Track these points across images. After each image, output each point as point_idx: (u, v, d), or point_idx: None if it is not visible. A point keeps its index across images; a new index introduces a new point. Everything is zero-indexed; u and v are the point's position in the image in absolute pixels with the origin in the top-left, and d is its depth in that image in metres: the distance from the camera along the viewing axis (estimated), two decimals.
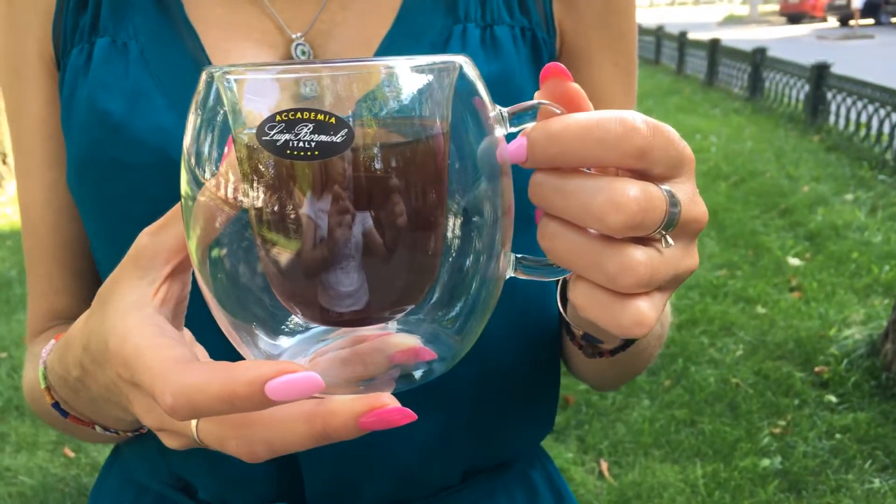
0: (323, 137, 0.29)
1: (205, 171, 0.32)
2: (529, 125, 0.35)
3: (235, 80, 0.30)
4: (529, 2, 0.58)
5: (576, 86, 0.35)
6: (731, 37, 15.61)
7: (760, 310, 3.54)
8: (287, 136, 0.29)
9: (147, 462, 0.62)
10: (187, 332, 0.42)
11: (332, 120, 0.29)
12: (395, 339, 0.37)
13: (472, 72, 0.34)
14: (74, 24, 0.56)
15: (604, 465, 2.53)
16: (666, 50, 12.88)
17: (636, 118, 0.34)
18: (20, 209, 0.64)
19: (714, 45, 10.07)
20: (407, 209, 0.32)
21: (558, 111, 0.35)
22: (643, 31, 14.36)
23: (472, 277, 0.37)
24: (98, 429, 0.53)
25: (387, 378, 0.35)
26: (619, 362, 0.57)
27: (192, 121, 0.32)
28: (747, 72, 8.78)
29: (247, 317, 0.35)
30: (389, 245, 0.32)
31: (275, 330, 0.36)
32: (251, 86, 0.30)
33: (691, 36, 11.84)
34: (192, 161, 0.32)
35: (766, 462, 2.48)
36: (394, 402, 0.34)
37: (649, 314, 0.35)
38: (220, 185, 0.32)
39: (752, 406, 2.79)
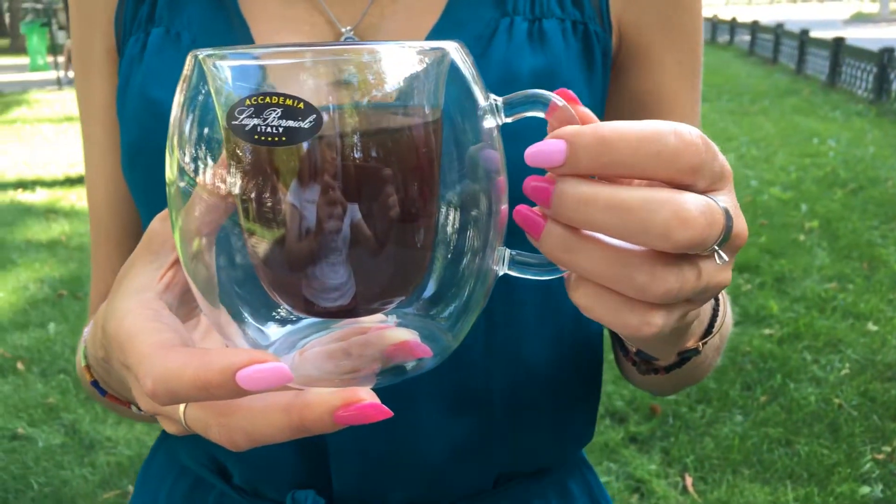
0: (290, 122, 0.28)
1: (185, 156, 0.32)
2: (528, 114, 0.33)
3: (219, 64, 0.30)
4: None
5: (586, 110, 0.34)
6: (858, 35, 14.73)
7: (872, 327, 3.32)
8: (255, 121, 0.28)
9: (189, 444, 0.64)
10: (204, 320, 0.42)
11: (301, 105, 0.28)
12: (392, 333, 0.36)
13: (462, 59, 0.32)
14: (134, 14, 0.58)
15: (688, 480, 2.43)
16: (785, 49, 12.31)
17: (692, 132, 0.32)
18: (87, 193, 0.67)
19: (838, 43, 9.53)
20: (390, 199, 0.31)
21: (560, 103, 0.33)
22: (761, 28, 13.78)
23: (461, 272, 0.35)
24: (133, 408, 0.54)
25: (367, 373, 0.34)
26: (675, 376, 0.54)
27: (177, 105, 0.32)
28: (873, 73, 8.26)
29: (233, 305, 0.35)
30: (372, 236, 0.31)
31: (265, 319, 0.36)
32: (233, 70, 0.30)
33: (814, 34, 11.25)
34: (175, 146, 0.32)
35: (865, 489, 2.32)
36: (371, 398, 0.33)
37: (659, 315, 0.33)
38: (200, 170, 0.31)
39: (854, 429, 2.61)
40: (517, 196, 0.34)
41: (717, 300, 0.51)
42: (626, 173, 0.31)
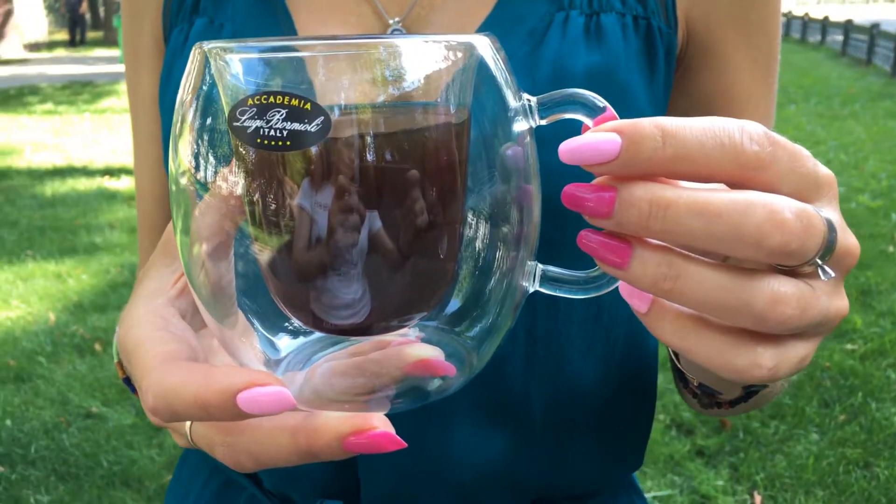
0: (296, 126, 0.25)
1: (187, 154, 0.30)
2: (566, 116, 0.30)
3: (224, 58, 0.28)
4: None
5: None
6: None
7: None
8: (258, 123, 0.26)
9: None
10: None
11: (308, 106, 0.25)
12: (413, 349, 0.33)
13: (493, 54, 0.29)
14: (180, 4, 0.58)
15: (757, 499, 2.33)
16: (880, 50, 11.70)
17: (755, 125, 0.28)
18: (135, 183, 0.68)
19: None
20: (409, 206, 0.28)
21: (601, 105, 0.30)
22: (855, 28, 13.15)
23: (487, 287, 0.32)
24: None
25: (382, 395, 0.32)
26: (738, 409, 0.49)
27: (180, 101, 0.30)
28: None
29: (242, 316, 0.33)
30: (388, 246, 0.28)
31: (277, 331, 0.34)
32: (239, 64, 0.28)
33: None
34: (178, 143, 0.30)
35: None
36: (384, 425, 0.30)
37: (764, 352, 0.29)
38: (202, 170, 0.29)
39: None
40: (553, 207, 0.31)
41: None
42: (689, 170, 0.27)
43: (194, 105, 0.29)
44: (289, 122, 0.25)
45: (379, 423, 0.30)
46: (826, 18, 16.54)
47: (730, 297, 0.27)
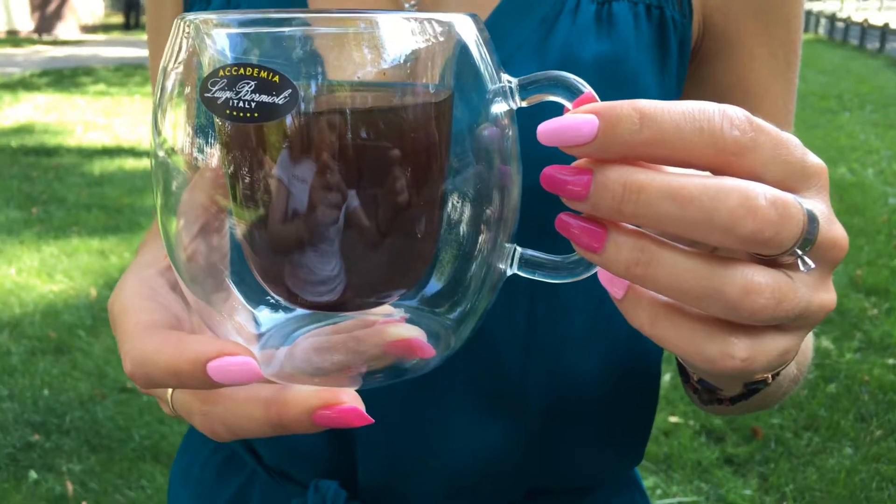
0: (264, 98, 0.25)
1: (164, 124, 0.30)
2: (546, 99, 0.29)
3: (202, 29, 0.28)
4: None
5: None
6: None
7: None
8: (228, 94, 0.26)
9: None
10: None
11: (276, 78, 0.25)
12: (395, 328, 0.33)
13: (475, 34, 0.29)
14: None
15: None
16: None
17: (736, 109, 0.27)
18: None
19: None
20: (382, 183, 0.28)
21: (584, 89, 0.29)
22: None
23: (463, 269, 0.32)
24: None
25: (355, 372, 0.32)
26: (740, 407, 0.48)
27: (161, 71, 0.30)
28: None
29: (223, 289, 0.33)
30: (362, 223, 0.28)
31: (258, 305, 0.34)
32: (216, 36, 0.28)
33: None
34: (158, 113, 0.30)
35: None
36: (353, 400, 0.30)
37: (737, 343, 0.28)
38: (178, 142, 0.29)
39: None
40: (531, 189, 0.30)
41: None
42: (666, 154, 0.27)
43: (173, 77, 0.29)
44: (257, 94, 0.25)
45: (348, 398, 0.30)
46: (886, 25, 16.04)
47: (702, 285, 0.27)
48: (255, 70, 0.25)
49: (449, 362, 0.51)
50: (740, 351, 0.28)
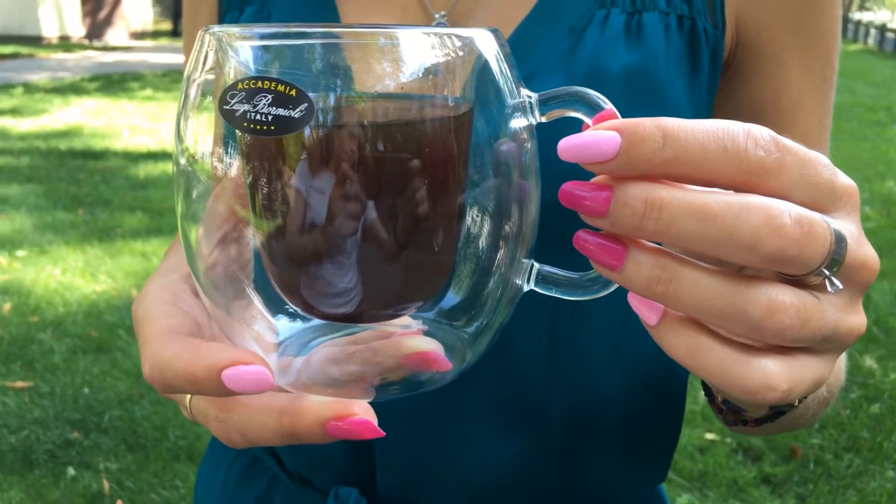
0: (280, 111, 0.26)
1: (187, 134, 0.30)
2: (566, 115, 0.29)
3: (227, 42, 0.28)
4: None
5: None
6: None
7: None
8: (245, 107, 0.26)
9: None
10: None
11: (293, 92, 0.25)
12: (412, 341, 0.33)
13: (495, 49, 0.29)
14: None
15: None
16: None
17: (761, 129, 0.27)
18: None
19: None
20: (402, 198, 0.28)
21: (605, 105, 0.29)
22: None
23: (480, 283, 0.32)
24: None
25: (369, 384, 0.32)
26: (766, 429, 0.47)
27: (184, 79, 0.30)
28: None
29: (237, 297, 0.33)
30: (380, 236, 0.28)
31: (277, 315, 0.34)
32: (238, 48, 0.28)
33: None
34: (180, 124, 0.30)
35: None
36: (364, 413, 0.30)
37: (779, 374, 0.28)
38: (199, 151, 0.30)
39: None
40: (552, 203, 0.30)
41: None
42: (689, 173, 0.26)
43: (195, 88, 0.29)
44: (274, 108, 0.26)
45: (359, 410, 0.30)
46: None
47: (725, 303, 0.26)
48: (273, 83, 0.26)
49: (470, 375, 0.51)
50: (782, 382, 0.28)
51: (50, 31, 17.74)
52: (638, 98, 0.48)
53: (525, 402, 0.53)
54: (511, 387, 0.52)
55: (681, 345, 0.28)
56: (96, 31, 18.91)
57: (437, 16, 0.53)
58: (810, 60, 0.52)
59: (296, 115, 0.26)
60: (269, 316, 0.34)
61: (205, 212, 0.31)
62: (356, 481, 0.57)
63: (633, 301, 0.29)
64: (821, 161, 0.28)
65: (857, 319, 0.29)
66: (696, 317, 0.28)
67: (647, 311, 0.29)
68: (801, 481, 2.45)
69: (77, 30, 18.45)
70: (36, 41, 17.26)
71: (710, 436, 2.64)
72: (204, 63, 0.29)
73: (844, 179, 0.29)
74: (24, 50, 14.96)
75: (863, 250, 0.29)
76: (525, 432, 0.53)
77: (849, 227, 0.28)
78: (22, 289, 3.51)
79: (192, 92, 0.30)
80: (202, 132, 0.30)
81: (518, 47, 0.50)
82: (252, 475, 0.63)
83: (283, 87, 0.26)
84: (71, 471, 2.29)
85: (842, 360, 0.51)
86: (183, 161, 0.30)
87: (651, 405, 0.56)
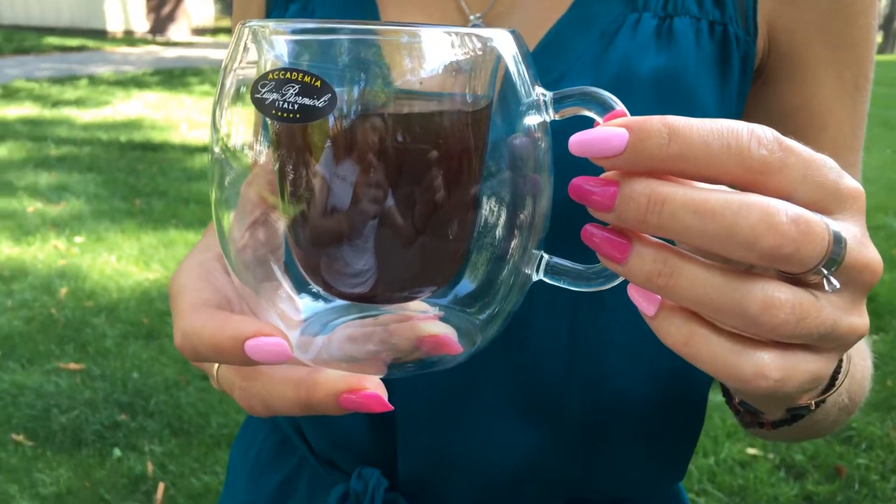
0: (306, 100, 0.27)
1: (222, 123, 0.32)
2: (579, 113, 0.30)
3: (261, 35, 0.30)
4: None
5: None
6: None
7: None
8: (274, 96, 0.28)
9: None
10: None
11: (318, 83, 0.27)
12: (427, 324, 0.35)
13: (513, 48, 0.30)
14: None
15: None
16: None
17: (765, 129, 0.28)
18: None
19: None
20: (419, 186, 0.29)
21: (616, 105, 0.29)
22: None
23: (491, 272, 0.33)
24: None
25: (382, 360, 0.33)
26: (783, 433, 0.47)
27: (221, 70, 0.32)
28: None
29: (265, 278, 0.35)
30: (395, 221, 0.30)
31: (301, 294, 0.36)
32: (273, 41, 0.30)
33: None
34: (217, 114, 0.32)
35: None
36: (376, 387, 0.32)
37: (771, 364, 0.29)
38: (233, 138, 0.32)
39: None
40: (566, 198, 0.31)
41: None
42: (693, 170, 0.28)
43: (231, 78, 0.31)
44: (300, 97, 0.28)
45: (371, 384, 0.32)
46: None
47: (723, 297, 0.28)
48: (300, 75, 0.27)
49: (490, 366, 0.52)
50: (773, 371, 0.29)
51: (115, 26, 18.30)
52: (666, 102, 0.48)
53: (544, 395, 0.54)
54: (530, 380, 0.53)
55: (676, 333, 0.29)
56: (159, 26, 19.44)
57: (472, 17, 0.55)
58: (843, 68, 0.52)
59: (320, 105, 0.27)
60: (294, 296, 0.36)
61: (239, 197, 0.33)
62: (379, 463, 0.58)
63: (633, 292, 0.31)
64: (826, 163, 0.29)
65: (858, 320, 0.30)
66: (694, 309, 0.29)
67: (644, 303, 0.30)
68: (844, 501, 2.39)
69: (141, 25, 19.00)
70: (101, 35, 17.83)
71: (752, 450, 2.59)
72: (239, 54, 0.31)
73: (850, 182, 0.30)
74: (90, 43, 15.47)
75: (865, 252, 0.29)
76: (543, 425, 0.54)
77: (851, 229, 0.29)
78: (78, 274, 3.63)
79: (228, 82, 0.31)
80: (236, 122, 0.32)
81: (550, 49, 0.51)
82: (282, 455, 0.65)
83: (309, 78, 0.27)
84: (117, 452, 2.36)
85: (867, 370, 0.51)
86: (217, 149, 0.32)
87: (672, 404, 0.56)
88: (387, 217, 0.30)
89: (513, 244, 0.33)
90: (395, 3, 0.56)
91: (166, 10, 19.59)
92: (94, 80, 10.02)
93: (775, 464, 2.55)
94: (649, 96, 0.48)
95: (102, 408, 2.59)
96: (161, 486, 2.23)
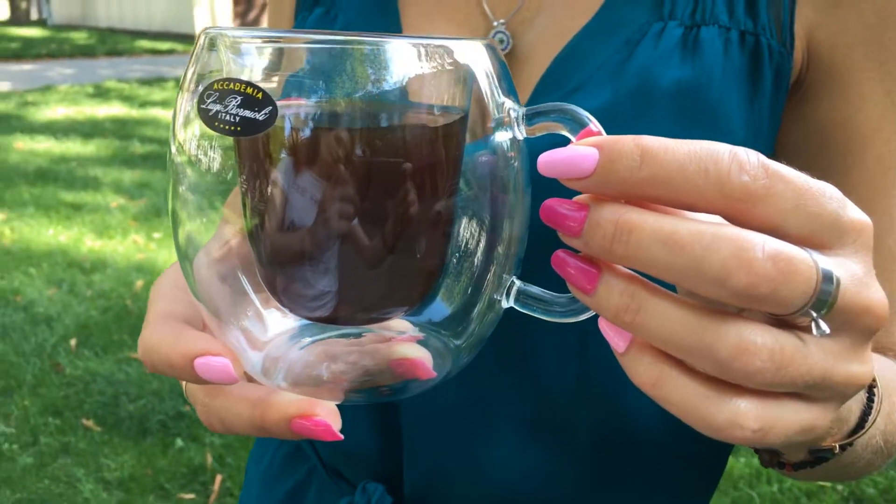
0: (247, 113, 0.27)
1: (178, 129, 0.31)
2: (551, 130, 0.28)
3: (219, 43, 0.29)
4: (760, 1, 0.47)
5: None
6: None
7: None
8: (218, 107, 0.27)
9: None
10: None
11: (259, 95, 0.26)
12: (401, 347, 0.34)
13: (482, 61, 0.29)
14: None
15: None
16: None
17: (749, 153, 0.25)
18: None
19: None
20: (381, 203, 0.28)
21: (589, 122, 0.28)
22: None
23: (458, 297, 0.32)
24: None
25: (336, 385, 0.32)
26: (808, 475, 0.44)
27: (181, 80, 0.32)
28: None
29: (231, 293, 0.34)
30: (355, 240, 0.29)
31: (269, 310, 0.35)
32: (233, 49, 0.29)
33: None
34: (175, 121, 0.32)
35: None
36: (328, 415, 0.31)
37: (749, 413, 0.26)
38: (186, 145, 0.31)
39: None
40: (536, 222, 0.30)
41: (870, 389, 0.40)
42: (668, 195, 0.25)
43: (188, 87, 0.31)
44: (241, 109, 0.27)
45: (322, 411, 0.31)
46: None
47: (693, 338, 0.25)
48: (243, 86, 0.27)
49: (500, 390, 0.51)
50: (750, 421, 0.26)
51: None
52: (687, 115, 0.46)
53: (553, 414, 0.52)
54: (539, 398, 0.51)
55: (645, 373, 0.27)
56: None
57: (495, 24, 0.53)
58: (890, 83, 0.48)
59: (260, 118, 0.26)
60: (264, 313, 0.35)
61: (197, 209, 0.33)
62: (385, 478, 0.58)
63: (603, 326, 0.28)
64: (825, 192, 0.26)
65: (858, 368, 0.27)
66: (664, 349, 0.27)
67: (615, 338, 0.28)
68: None
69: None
70: (190, 39, 18.48)
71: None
72: (198, 61, 0.30)
73: (854, 213, 0.27)
74: (179, 47, 16.07)
75: (865, 293, 0.26)
76: (551, 445, 0.53)
77: (851, 266, 0.26)
78: (154, 268, 3.77)
79: (186, 90, 0.31)
80: (192, 131, 0.31)
81: (570, 59, 0.49)
82: (293, 463, 0.66)
83: (251, 89, 0.26)
84: (179, 442, 2.43)
85: None
86: (174, 158, 0.32)
87: (691, 437, 0.53)
88: (346, 235, 0.28)
89: (478, 266, 0.31)
90: (417, 10, 0.56)
91: (252, 15, 20.16)
92: (180, 83, 10.37)
93: (843, 496, 2.42)
94: (669, 110, 0.46)
95: (168, 398, 2.67)
96: (218, 477, 2.29)
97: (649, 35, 0.48)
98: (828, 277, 0.25)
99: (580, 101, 0.47)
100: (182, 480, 2.28)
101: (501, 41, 0.53)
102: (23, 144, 6.16)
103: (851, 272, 0.26)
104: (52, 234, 4.16)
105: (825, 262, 0.26)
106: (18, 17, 23.66)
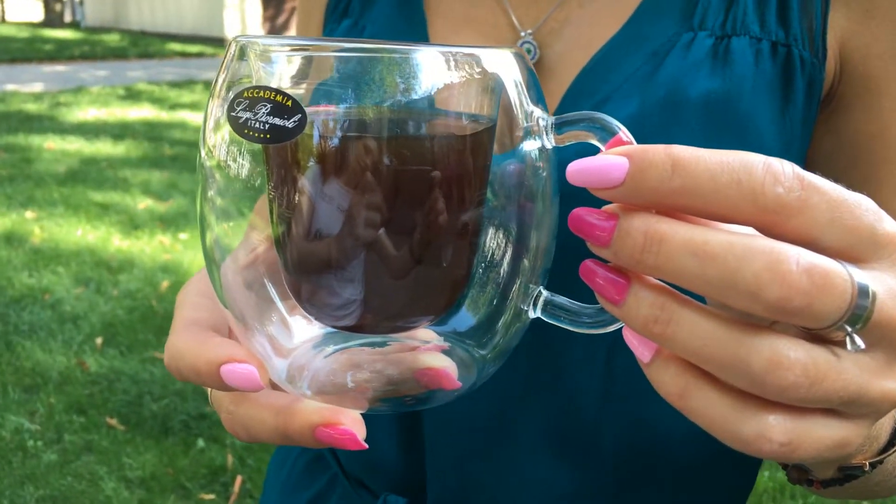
0: (277, 120, 0.27)
1: (210, 136, 0.32)
2: (580, 139, 0.28)
3: (250, 51, 0.30)
4: (792, 11, 0.47)
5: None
6: None
7: None
8: (247, 115, 0.27)
9: None
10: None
11: (289, 103, 0.26)
12: (426, 357, 0.34)
13: (511, 71, 0.28)
14: (335, 5, 0.61)
15: None
16: None
17: (784, 163, 0.25)
18: None
19: None
20: (408, 212, 0.28)
21: (618, 130, 0.27)
22: None
23: (485, 306, 0.31)
24: None
25: (360, 393, 0.32)
26: (837, 492, 0.43)
27: (212, 87, 0.32)
28: None
29: (257, 300, 0.35)
30: (382, 249, 0.29)
31: (296, 318, 0.35)
32: (263, 58, 0.29)
33: None
34: (205, 127, 0.32)
35: None
36: (352, 424, 0.31)
37: (778, 427, 0.26)
38: (219, 151, 0.31)
39: None
40: (565, 232, 0.29)
41: None
42: (700, 206, 0.25)
43: (219, 94, 0.31)
44: (271, 117, 0.27)
45: (346, 420, 0.31)
46: None
47: (725, 353, 0.25)
48: (272, 94, 0.27)
49: (525, 404, 0.50)
50: (778, 434, 0.25)
51: (232, 34, 19.16)
52: (716, 127, 0.45)
53: (579, 432, 0.51)
54: (565, 420, 0.51)
55: (671, 384, 0.27)
56: (274, 34, 20.18)
57: (523, 34, 0.53)
58: None
59: (289, 126, 0.26)
60: (288, 320, 0.35)
61: (225, 215, 0.33)
62: (408, 490, 0.57)
63: (628, 336, 0.28)
64: (862, 204, 0.25)
65: (894, 385, 0.26)
66: (694, 362, 0.26)
67: (640, 348, 0.28)
68: None
69: (257, 33, 19.81)
70: (220, 43, 18.70)
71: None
72: (229, 69, 0.31)
73: (890, 227, 0.26)
74: (208, 50, 16.25)
75: None
76: (577, 463, 0.52)
77: (888, 280, 0.25)
78: (180, 269, 3.80)
79: (216, 96, 0.31)
80: (222, 137, 0.31)
81: (598, 69, 0.49)
82: (314, 471, 0.65)
83: (281, 97, 0.26)
84: (200, 442, 2.45)
85: None
86: (204, 163, 0.32)
87: (718, 450, 0.52)
88: (373, 243, 0.28)
89: (504, 276, 0.31)
90: (445, 22, 0.56)
91: (281, 19, 20.36)
92: (209, 86, 10.49)
93: None
94: (698, 121, 0.46)
95: (191, 398, 2.69)
96: (239, 478, 2.30)
97: (679, 45, 0.48)
98: (864, 292, 0.25)
99: (608, 111, 0.47)
100: (203, 481, 2.29)
101: (529, 52, 0.53)
102: (54, 145, 6.26)
103: (888, 286, 0.25)
104: (80, 233, 4.21)
105: (861, 275, 0.25)
106: (52, 20, 24.10)
